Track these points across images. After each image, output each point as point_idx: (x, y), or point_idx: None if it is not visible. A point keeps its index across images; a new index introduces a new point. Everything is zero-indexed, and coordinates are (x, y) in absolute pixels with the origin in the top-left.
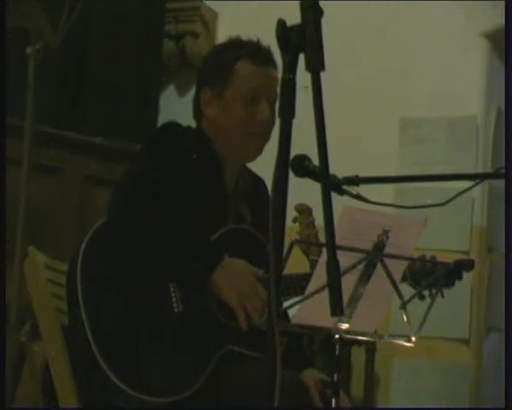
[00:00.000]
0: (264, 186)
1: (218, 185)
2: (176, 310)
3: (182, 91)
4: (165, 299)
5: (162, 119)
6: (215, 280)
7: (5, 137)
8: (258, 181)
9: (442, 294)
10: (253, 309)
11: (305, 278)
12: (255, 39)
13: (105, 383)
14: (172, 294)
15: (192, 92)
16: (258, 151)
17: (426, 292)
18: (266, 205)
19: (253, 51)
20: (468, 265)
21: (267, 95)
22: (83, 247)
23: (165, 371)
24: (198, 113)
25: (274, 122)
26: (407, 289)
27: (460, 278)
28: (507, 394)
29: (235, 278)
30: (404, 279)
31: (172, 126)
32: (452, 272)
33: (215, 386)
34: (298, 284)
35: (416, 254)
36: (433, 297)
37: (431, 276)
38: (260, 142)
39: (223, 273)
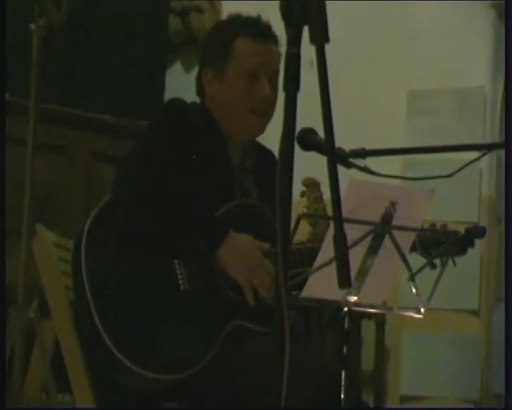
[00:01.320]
0: (273, 158)
1: (223, 161)
2: (182, 287)
3: (188, 67)
4: (171, 276)
5: (168, 95)
6: (221, 256)
7: (5, 136)
8: (266, 154)
9: (454, 262)
10: (260, 284)
11: (310, 252)
12: (255, 15)
13: (112, 360)
14: (178, 271)
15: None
16: (261, 128)
17: (437, 261)
18: (274, 178)
19: (252, 28)
20: (479, 232)
21: (268, 71)
22: (88, 224)
23: (172, 348)
24: (201, 91)
25: (276, 98)
26: (416, 261)
27: (472, 245)
28: (507, 394)
29: (240, 254)
30: (413, 249)
31: (177, 103)
32: (464, 240)
33: (223, 362)
34: (305, 258)
35: (425, 225)
36: (444, 266)
37: (441, 244)
38: (262, 119)
39: (228, 249)
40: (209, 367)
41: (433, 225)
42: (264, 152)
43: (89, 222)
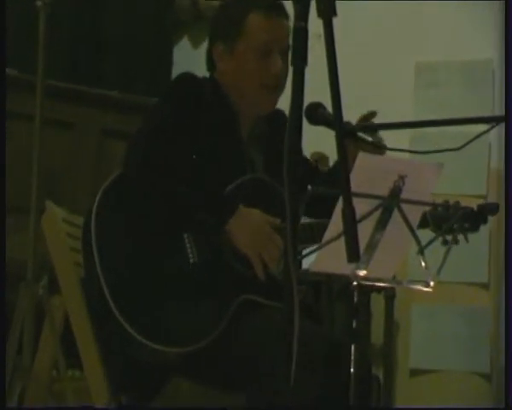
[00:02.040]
0: (284, 117)
1: (233, 135)
2: (191, 260)
3: (195, 44)
4: (180, 250)
5: (176, 71)
6: (230, 230)
7: (5, 135)
8: (276, 116)
9: (466, 238)
10: (270, 258)
11: (321, 227)
12: None
13: (122, 334)
14: (187, 245)
15: (206, 44)
16: (272, 104)
17: (449, 237)
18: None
19: (263, 3)
20: (492, 209)
21: (279, 47)
22: (97, 200)
23: (181, 322)
24: (211, 66)
25: (287, 73)
26: (425, 235)
27: (485, 222)
28: (507, 394)
29: (250, 228)
30: (425, 225)
31: (187, 77)
32: (477, 217)
33: (233, 335)
34: (315, 233)
35: (437, 200)
36: (457, 242)
37: (454, 221)
38: (274, 95)
39: (237, 223)
40: (218, 341)
41: (446, 201)
42: (274, 114)
43: (98, 198)
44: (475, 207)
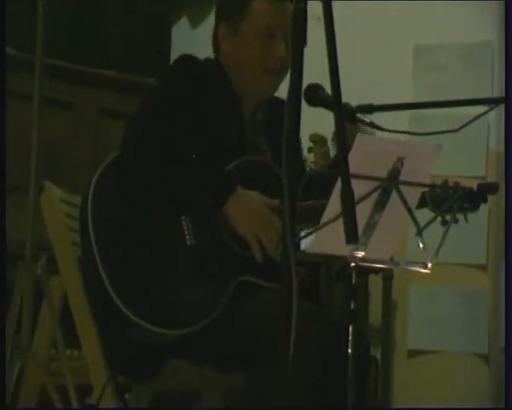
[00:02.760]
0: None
1: (235, 117)
2: (188, 243)
3: (194, 23)
4: (177, 232)
5: (174, 51)
6: (228, 212)
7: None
8: (276, 103)
9: (466, 218)
10: (268, 240)
11: (320, 208)
12: None
13: (119, 316)
14: (185, 227)
15: (204, 24)
16: (274, 87)
17: (448, 217)
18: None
19: None
20: (492, 188)
21: (283, 31)
22: (94, 180)
23: (178, 304)
24: (216, 47)
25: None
26: (423, 216)
27: (485, 201)
28: (507, 394)
29: (248, 210)
30: (424, 205)
31: (188, 59)
32: (476, 196)
33: (231, 317)
34: (313, 214)
35: (437, 181)
36: (456, 221)
37: (453, 200)
38: (276, 79)
39: (236, 205)
40: (217, 322)
41: (446, 181)
42: (275, 101)
43: (95, 178)
44: (475, 188)
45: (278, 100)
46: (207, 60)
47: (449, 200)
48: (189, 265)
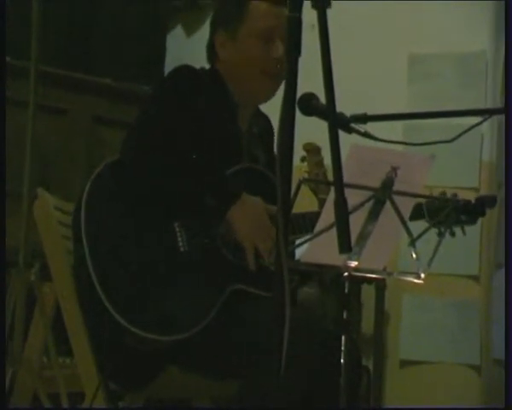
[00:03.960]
0: (268, 123)
1: (233, 125)
2: (182, 249)
3: (189, 32)
4: (170, 238)
5: (169, 59)
6: (231, 217)
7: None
8: (268, 120)
9: (463, 231)
10: (264, 249)
11: (315, 217)
12: None
13: (111, 322)
14: (178, 233)
15: (199, 32)
16: (273, 91)
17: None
18: (269, 142)
19: None
20: (490, 201)
21: (281, 34)
22: (87, 187)
23: (170, 310)
24: (212, 56)
25: None
26: (416, 227)
27: (483, 214)
28: (507, 394)
29: (249, 216)
30: (421, 216)
31: (186, 69)
32: (474, 209)
33: (224, 324)
34: (308, 223)
35: (430, 191)
36: (453, 235)
37: (450, 213)
38: (275, 82)
39: (238, 209)
40: (210, 330)
41: (444, 193)
42: (265, 117)
43: (88, 185)
44: (473, 200)
45: (266, 117)
46: (204, 69)
47: (446, 212)
48: (182, 271)
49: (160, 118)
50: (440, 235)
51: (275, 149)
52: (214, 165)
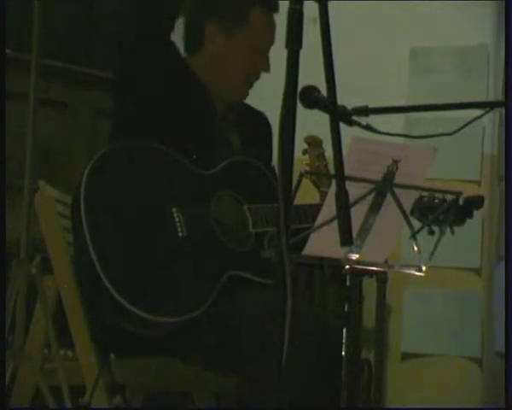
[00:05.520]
0: (261, 117)
1: (207, 107)
2: (180, 234)
3: None
4: (169, 223)
5: None
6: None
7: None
8: (253, 113)
9: (452, 231)
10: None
11: (316, 208)
12: None
13: (113, 306)
14: (176, 218)
15: None
16: (246, 96)
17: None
18: (263, 137)
19: None
20: (477, 202)
21: (270, 45)
22: (85, 176)
23: (171, 293)
24: (195, 43)
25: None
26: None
27: (471, 216)
28: (507, 393)
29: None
30: (411, 213)
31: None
32: (462, 210)
33: (222, 313)
34: (308, 214)
35: (431, 184)
36: (443, 232)
37: (439, 212)
38: (250, 88)
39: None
40: (208, 317)
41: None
42: (252, 111)
43: (86, 173)
44: (461, 201)
45: (256, 111)
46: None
47: (435, 211)
48: (180, 256)
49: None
50: (431, 233)
51: (274, 143)
52: (181, 142)
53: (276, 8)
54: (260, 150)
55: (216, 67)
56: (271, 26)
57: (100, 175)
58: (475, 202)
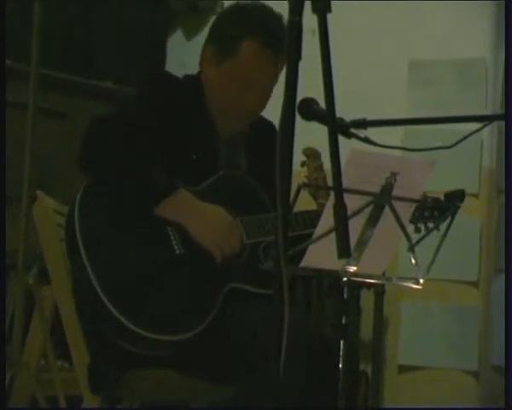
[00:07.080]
0: (271, 129)
1: (208, 134)
2: (177, 252)
3: (189, 36)
4: (165, 242)
5: (169, 63)
6: (189, 226)
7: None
8: (262, 124)
9: (437, 227)
10: (230, 249)
11: (314, 215)
12: (268, 10)
13: (110, 322)
14: (172, 237)
15: (199, 37)
16: (246, 126)
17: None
18: (270, 149)
19: (262, 32)
20: (457, 195)
21: (265, 79)
22: (80, 193)
23: (171, 311)
24: (200, 61)
25: (264, 105)
26: (415, 233)
27: (455, 210)
28: (507, 393)
29: (206, 220)
30: None
31: (160, 77)
32: (444, 204)
33: (221, 325)
34: (308, 221)
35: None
36: (429, 231)
37: (423, 211)
38: (247, 120)
39: (196, 219)
40: (208, 331)
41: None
42: (261, 122)
43: (81, 191)
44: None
45: (265, 121)
46: (186, 77)
47: (419, 208)
48: (179, 273)
49: (126, 119)
50: (418, 231)
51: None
52: (182, 172)
53: (271, 46)
54: (270, 167)
55: (210, 92)
56: (265, 60)
57: (94, 193)
58: (455, 195)
